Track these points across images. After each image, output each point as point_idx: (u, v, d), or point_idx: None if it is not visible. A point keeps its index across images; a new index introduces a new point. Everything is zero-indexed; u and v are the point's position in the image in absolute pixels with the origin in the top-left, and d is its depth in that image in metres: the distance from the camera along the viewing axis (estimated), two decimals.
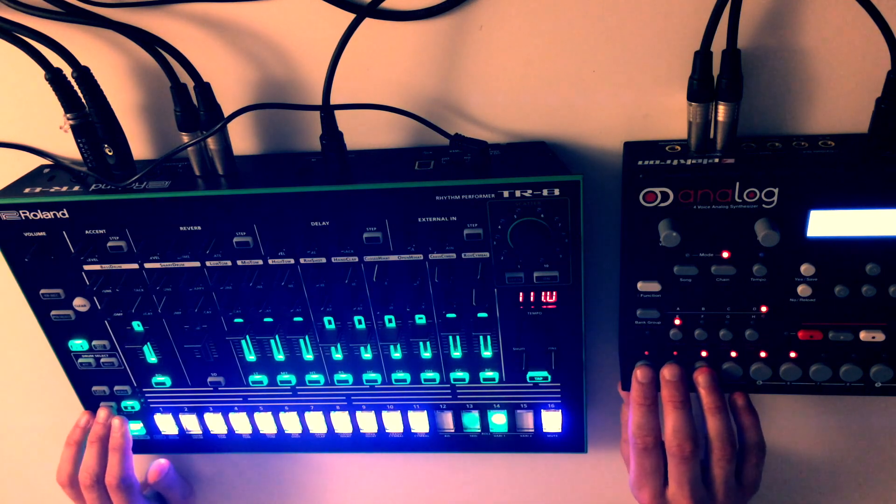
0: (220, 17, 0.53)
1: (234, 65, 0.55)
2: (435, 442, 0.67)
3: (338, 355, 0.62)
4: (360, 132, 0.57)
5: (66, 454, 0.68)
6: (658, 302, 0.56)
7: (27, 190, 0.56)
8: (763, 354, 0.57)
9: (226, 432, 0.68)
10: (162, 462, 0.75)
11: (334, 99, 0.52)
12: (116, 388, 0.65)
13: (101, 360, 0.63)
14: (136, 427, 0.68)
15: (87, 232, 0.56)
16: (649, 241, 0.53)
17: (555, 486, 0.77)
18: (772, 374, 0.57)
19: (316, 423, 0.67)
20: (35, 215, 0.55)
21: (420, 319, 0.59)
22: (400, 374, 0.62)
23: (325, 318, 0.59)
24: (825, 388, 0.58)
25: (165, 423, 0.68)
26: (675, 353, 0.58)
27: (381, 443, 0.68)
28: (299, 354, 0.62)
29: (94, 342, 0.62)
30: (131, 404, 0.66)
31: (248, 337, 0.61)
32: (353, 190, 0.52)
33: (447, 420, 0.65)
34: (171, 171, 0.57)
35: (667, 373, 0.57)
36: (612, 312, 0.63)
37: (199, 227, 0.55)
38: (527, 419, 0.64)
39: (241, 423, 0.68)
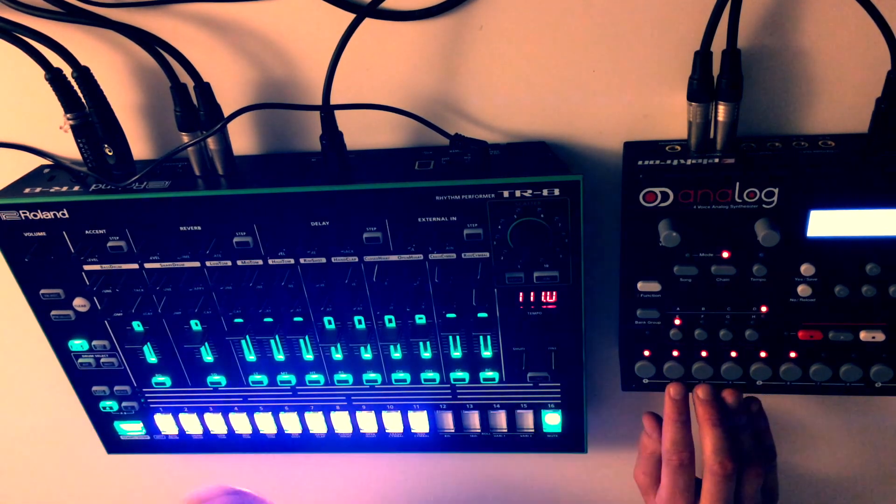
0: (220, 17, 0.53)
1: (234, 65, 0.55)
2: (435, 442, 0.67)
3: (338, 355, 0.62)
4: (360, 132, 0.57)
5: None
6: (658, 302, 0.56)
7: (27, 190, 0.56)
8: (763, 354, 0.57)
9: (226, 432, 0.68)
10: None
11: (334, 99, 0.52)
12: (116, 388, 0.65)
13: (101, 361, 0.63)
14: (136, 427, 0.68)
15: (87, 232, 0.56)
16: (649, 241, 0.53)
17: (555, 486, 0.77)
18: (772, 374, 0.57)
19: (316, 423, 0.67)
20: (35, 215, 0.55)
21: (420, 319, 0.59)
22: (400, 374, 0.62)
23: (325, 318, 0.59)
24: (825, 388, 0.58)
25: (165, 423, 0.68)
26: (675, 353, 0.58)
27: (381, 443, 0.67)
28: (299, 354, 0.62)
29: (94, 342, 0.62)
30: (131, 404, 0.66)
31: (248, 337, 0.61)
32: (353, 190, 0.52)
33: (447, 420, 0.65)
34: (171, 171, 0.57)
35: (701, 392, 0.57)
36: (612, 312, 0.63)
37: (199, 227, 0.55)
38: (527, 419, 0.64)
39: (241, 424, 0.68)
